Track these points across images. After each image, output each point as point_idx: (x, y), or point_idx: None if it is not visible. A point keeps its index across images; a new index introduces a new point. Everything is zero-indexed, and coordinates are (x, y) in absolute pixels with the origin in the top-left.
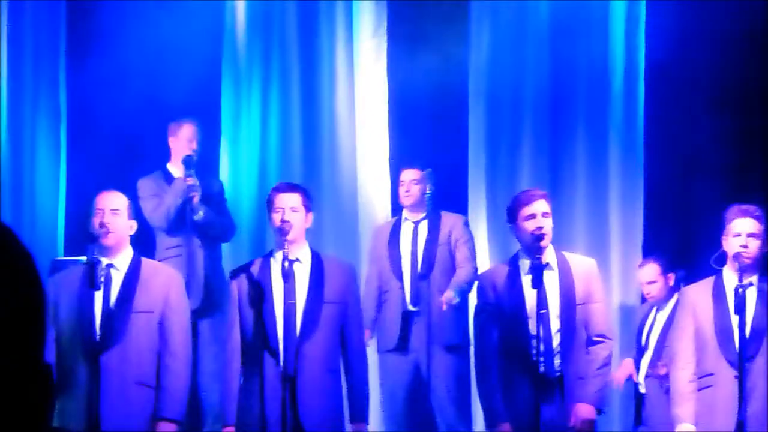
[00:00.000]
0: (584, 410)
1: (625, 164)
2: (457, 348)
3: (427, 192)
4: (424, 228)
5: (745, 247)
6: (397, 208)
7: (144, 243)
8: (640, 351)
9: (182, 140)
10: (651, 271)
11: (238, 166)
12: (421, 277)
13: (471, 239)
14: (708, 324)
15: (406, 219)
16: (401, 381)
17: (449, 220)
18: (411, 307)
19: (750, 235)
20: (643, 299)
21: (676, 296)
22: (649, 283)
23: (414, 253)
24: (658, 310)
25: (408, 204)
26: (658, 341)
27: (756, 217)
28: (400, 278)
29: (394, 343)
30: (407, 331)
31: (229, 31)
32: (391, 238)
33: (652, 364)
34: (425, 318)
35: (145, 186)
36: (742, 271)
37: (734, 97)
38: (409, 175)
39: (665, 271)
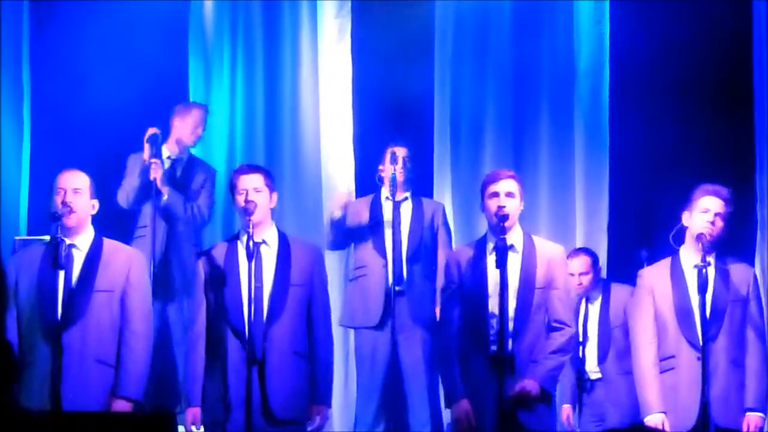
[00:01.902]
0: (527, 382)
1: (589, 146)
2: (435, 328)
3: (401, 168)
4: (407, 209)
5: (712, 224)
6: (360, 187)
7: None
8: (578, 343)
9: (188, 124)
10: (583, 262)
11: (206, 147)
12: (410, 259)
13: (448, 226)
14: (667, 305)
15: (387, 198)
16: (376, 357)
17: (430, 204)
18: (396, 287)
19: (717, 214)
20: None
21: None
22: (582, 274)
23: (397, 233)
24: (588, 302)
25: (401, 180)
26: (600, 333)
27: (725, 199)
28: (384, 256)
29: (375, 321)
30: (388, 309)
31: (196, 11)
32: (372, 215)
33: (603, 356)
34: (407, 298)
35: (129, 163)
36: (705, 251)
37: (698, 80)
38: (402, 152)
39: (595, 264)
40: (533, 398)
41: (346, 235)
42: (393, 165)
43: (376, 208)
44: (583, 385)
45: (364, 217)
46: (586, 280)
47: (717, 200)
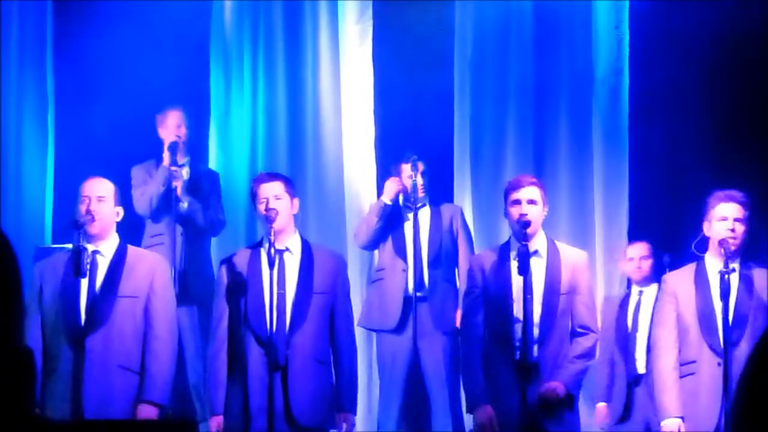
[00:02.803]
0: (553, 384)
1: (609, 152)
2: (456, 333)
3: (413, 179)
4: (425, 215)
5: (732, 231)
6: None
7: (132, 230)
8: (626, 336)
9: (170, 128)
10: (643, 247)
11: (228, 154)
12: (432, 264)
13: (468, 229)
14: (690, 311)
15: (406, 205)
16: (397, 362)
17: (448, 209)
18: (417, 293)
19: (736, 219)
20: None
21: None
22: (643, 258)
23: (417, 239)
24: (640, 293)
25: (420, 188)
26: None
27: (740, 203)
28: (404, 260)
29: (392, 325)
30: (408, 314)
31: (217, 18)
32: (392, 219)
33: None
34: (429, 303)
35: (136, 174)
36: (728, 256)
37: (718, 84)
38: (419, 165)
39: (655, 251)
40: (559, 400)
41: (384, 232)
42: (414, 172)
43: (395, 214)
44: (632, 382)
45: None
46: (646, 265)
47: (733, 205)
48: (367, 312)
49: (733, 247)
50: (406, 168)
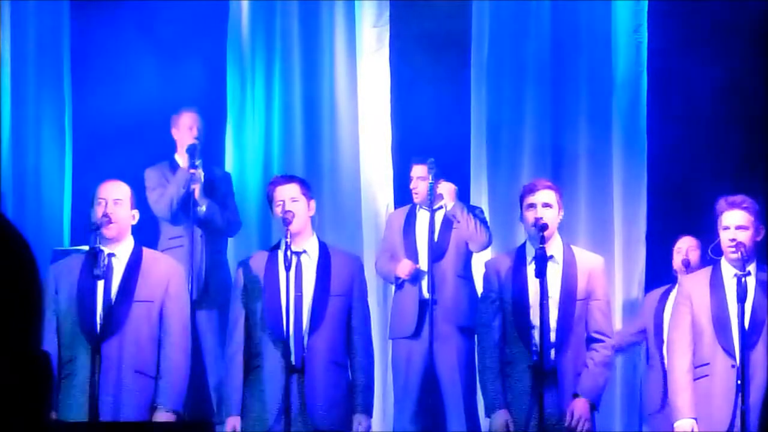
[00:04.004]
0: (580, 406)
1: (627, 156)
2: (469, 331)
3: (431, 181)
4: (440, 216)
5: (733, 240)
6: (399, 197)
7: (147, 233)
8: (661, 327)
9: (184, 129)
10: (691, 241)
11: (244, 157)
12: (434, 259)
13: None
14: (705, 313)
15: (421, 207)
16: (413, 366)
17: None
18: (426, 295)
19: (738, 227)
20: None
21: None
22: (690, 249)
23: (431, 241)
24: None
25: (418, 201)
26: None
27: (744, 208)
28: (428, 267)
29: (410, 331)
30: (423, 318)
31: (233, 21)
32: (405, 225)
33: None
34: (440, 304)
35: (151, 176)
36: (742, 261)
37: (737, 88)
38: (416, 171)
39: (703, 247)
40: (588, 420)
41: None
42: (431, 173)
43: (411, 218)
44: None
45: (399, 226)
46: (694, 256)
47: (736, 213)
48: (392, 321)
49: (734, 256)
50: (417, 169)
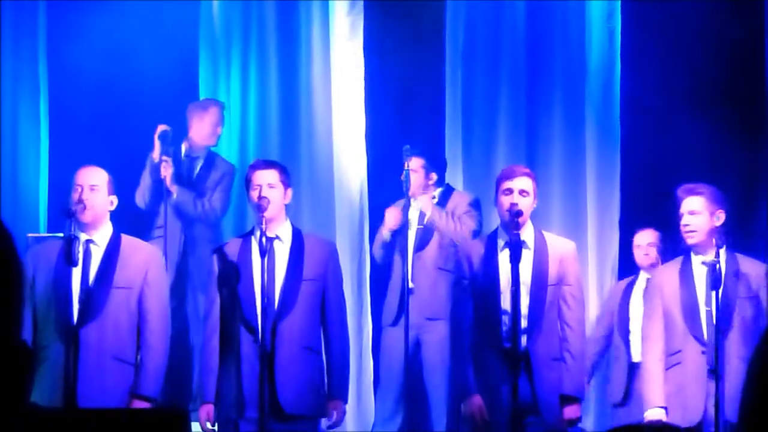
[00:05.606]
0: (570, 411)
1: (601, 142)
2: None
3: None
4: (417, 205)
5: (686, 225)
6: (373, 184)
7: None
8: (627, 320)
9: (207, 124)
10: (650, 235)
11: (219, 145)
12: (416, 249)
13: (474, 214)
14: (675, 302)
15: (413, 198)
16: (393, 353)
17: (456, 197)
18: (411, 284)
19: (691, 212)
20: (632, 269)
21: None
22: (650, 244)
23: (406, 230)
24: (649, 279)
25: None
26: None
27: (699, 193)
28: (403, 255)
29: (391, 320)
30: (404, 306)
31: (206, 7)
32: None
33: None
34: (418, 292)
35: (149, 162)
36: (703, 246)
37: (710, 77)
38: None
39: (663, 239)
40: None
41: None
42: (407, 161)
43: (404, 211)
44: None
45: (399, 221)
46: (653, 252)
47: (691, 199)
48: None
49: (691, 241)
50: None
